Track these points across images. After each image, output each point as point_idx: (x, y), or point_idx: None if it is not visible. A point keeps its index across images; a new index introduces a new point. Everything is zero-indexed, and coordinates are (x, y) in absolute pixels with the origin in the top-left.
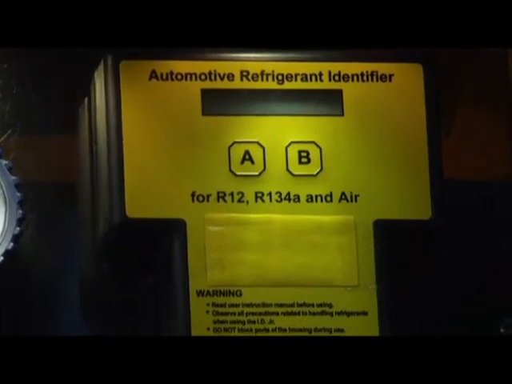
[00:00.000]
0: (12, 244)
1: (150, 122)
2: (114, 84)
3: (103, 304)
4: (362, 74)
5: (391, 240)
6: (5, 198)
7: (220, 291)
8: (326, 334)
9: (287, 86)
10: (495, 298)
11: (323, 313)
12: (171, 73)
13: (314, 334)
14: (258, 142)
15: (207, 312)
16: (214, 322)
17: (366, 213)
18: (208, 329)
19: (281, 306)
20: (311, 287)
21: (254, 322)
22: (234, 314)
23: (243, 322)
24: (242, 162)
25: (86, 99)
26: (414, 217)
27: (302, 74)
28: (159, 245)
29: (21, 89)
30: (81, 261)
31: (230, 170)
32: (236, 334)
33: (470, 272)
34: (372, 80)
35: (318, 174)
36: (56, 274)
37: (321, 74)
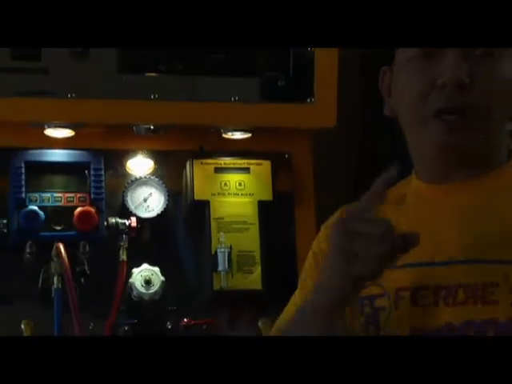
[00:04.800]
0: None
1: (203, 175)
2: (192, 166)
3: (186, 227)
4: (251, 164)
5: (265, 206)
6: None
7: (219, 219)
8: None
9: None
10: None
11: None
12: (206, 162)
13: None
14: None
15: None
16: (217, 227)
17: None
18: (218, 232)
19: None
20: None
21: (227, 227)
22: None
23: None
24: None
25: (184, 171)
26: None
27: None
28: (203, 208)
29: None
30: (179, 216)
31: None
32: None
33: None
34: (255, 165)
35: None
36: (173, 218)
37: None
